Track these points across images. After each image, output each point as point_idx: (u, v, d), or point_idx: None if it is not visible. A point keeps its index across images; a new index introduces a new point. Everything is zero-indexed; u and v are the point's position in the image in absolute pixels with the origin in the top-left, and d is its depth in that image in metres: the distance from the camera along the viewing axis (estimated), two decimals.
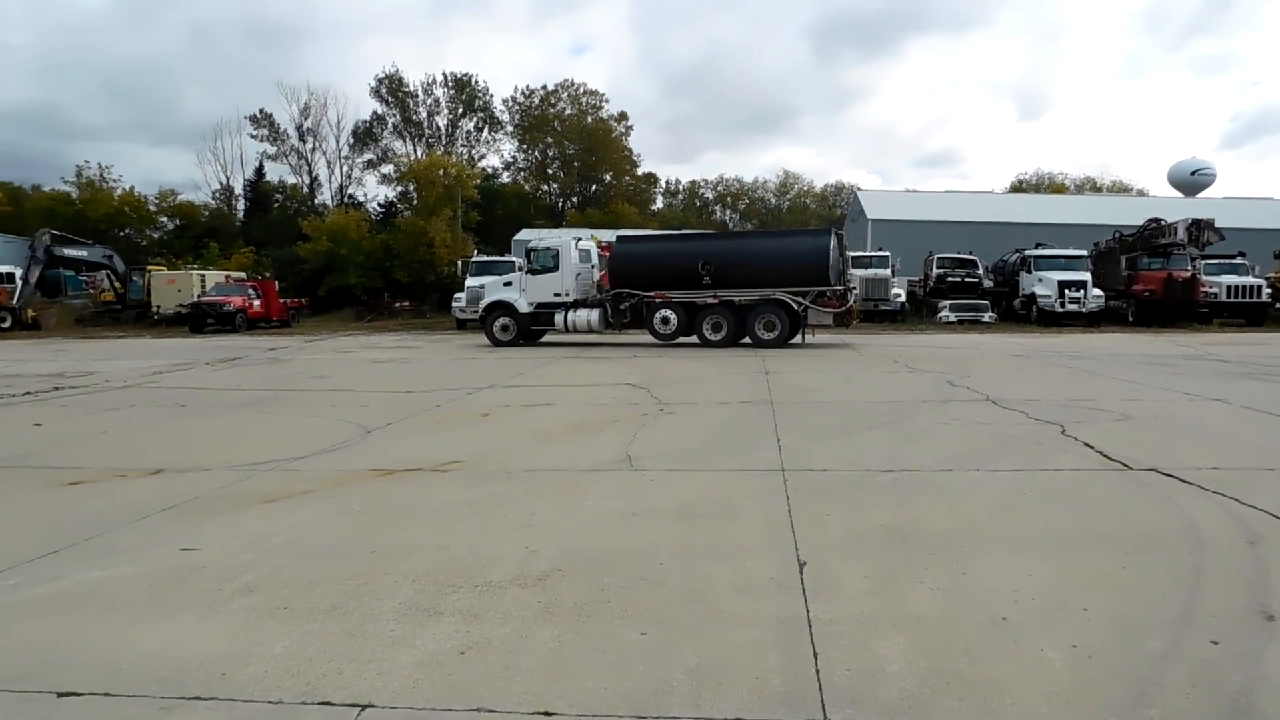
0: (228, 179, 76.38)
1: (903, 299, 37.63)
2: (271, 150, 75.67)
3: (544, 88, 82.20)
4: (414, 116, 77.94)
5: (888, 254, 38.47)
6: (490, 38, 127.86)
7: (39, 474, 7.79)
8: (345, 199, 75.35)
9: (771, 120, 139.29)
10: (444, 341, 27.59)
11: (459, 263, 37.51)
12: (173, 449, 9.09)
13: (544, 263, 24.02)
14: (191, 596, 4.58)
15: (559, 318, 23.79)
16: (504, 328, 24.18)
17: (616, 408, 11.40)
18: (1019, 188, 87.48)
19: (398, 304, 49.69)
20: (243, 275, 45.75)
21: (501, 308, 24.31)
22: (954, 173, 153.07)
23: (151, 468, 7.89)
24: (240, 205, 76.07)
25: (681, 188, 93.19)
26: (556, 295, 23.90)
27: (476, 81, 78.70)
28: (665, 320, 23.19)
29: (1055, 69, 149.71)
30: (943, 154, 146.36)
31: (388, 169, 74.77)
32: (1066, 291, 33.96)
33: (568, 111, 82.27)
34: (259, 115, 74.89)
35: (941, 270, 40.37)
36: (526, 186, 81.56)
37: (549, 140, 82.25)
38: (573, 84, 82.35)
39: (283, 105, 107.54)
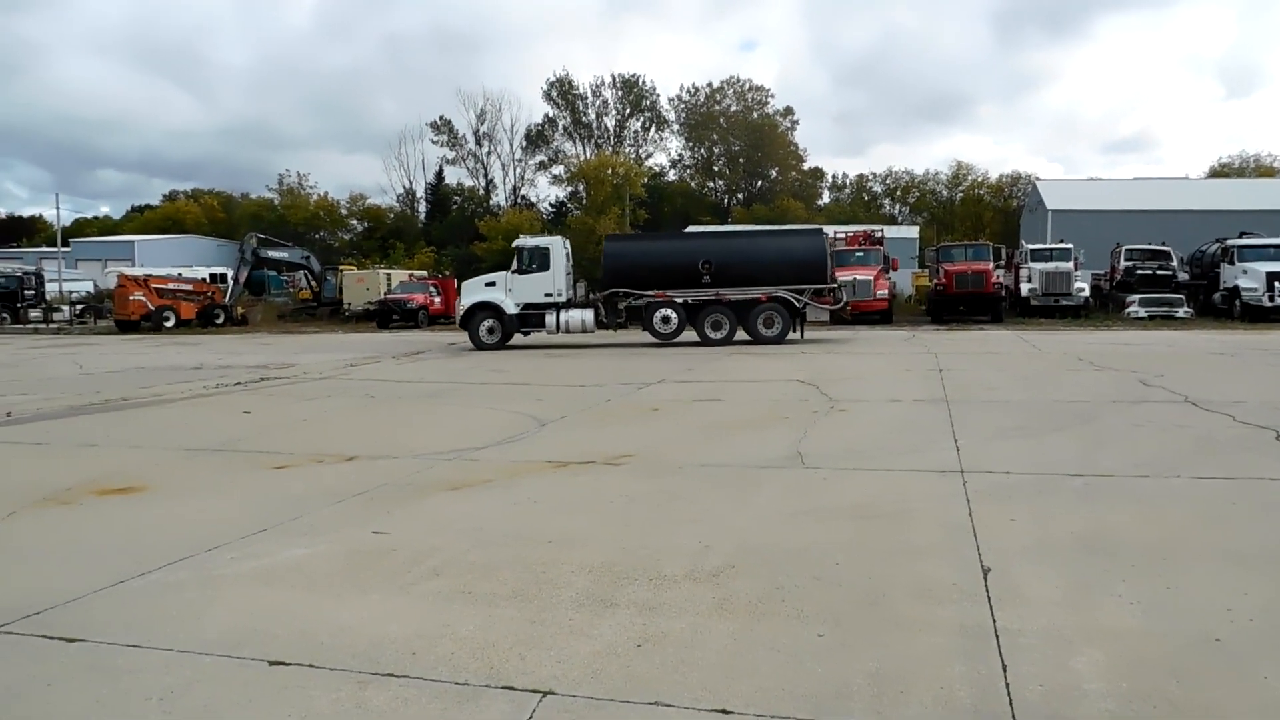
0: (410, 183, 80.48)
1: (1086, 293, 35.40)
2: (450, 155, 79.23)
3: (709, 85, 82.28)
4: (583, 118, 79.74)
5: (1069, 246, 36.22)
6: (661, 37, 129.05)
7: (250, 457, 8.46)
8: (519, 200, 77.94)
9: (946, 109, 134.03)
10: (613, 337, 28.08)
11: None
12: (364, 437, 9.67)
13: (533, 263, 23.23)
14: (383, 577, 4.85)
15: (550, 319, 23.00)
16: (490, 330, 23.10)
17: (786, 404, 11.27)
18: (1219, 173, 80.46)
19: None
20: (425, 274, 48.11)
21: (486, 309, 23.16)
22: (1145, 159, 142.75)
23: (346, 454, 8.42)
24: (422, 208, 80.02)
25: (849, 182, 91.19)
26: (547, 295, 23.12)
27: (644, 81, 79.69)
28: (666, 319, 22.84)
29: (1268, 41, 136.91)
30: (1133, 139, 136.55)
31: (558, 170, 76.84)
32: (1276, 284, 31.02)
33: (733, 108, 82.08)
34: (439, 122, 78.56)
35: (1130, 262, 37.66)
36: (692, 184, 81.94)
37: (714, 137, 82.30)
38: (738, 80, 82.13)
39: (461, 111, 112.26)
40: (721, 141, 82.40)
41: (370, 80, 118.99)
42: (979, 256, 34.61)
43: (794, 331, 23.05)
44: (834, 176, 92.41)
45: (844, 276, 31.62)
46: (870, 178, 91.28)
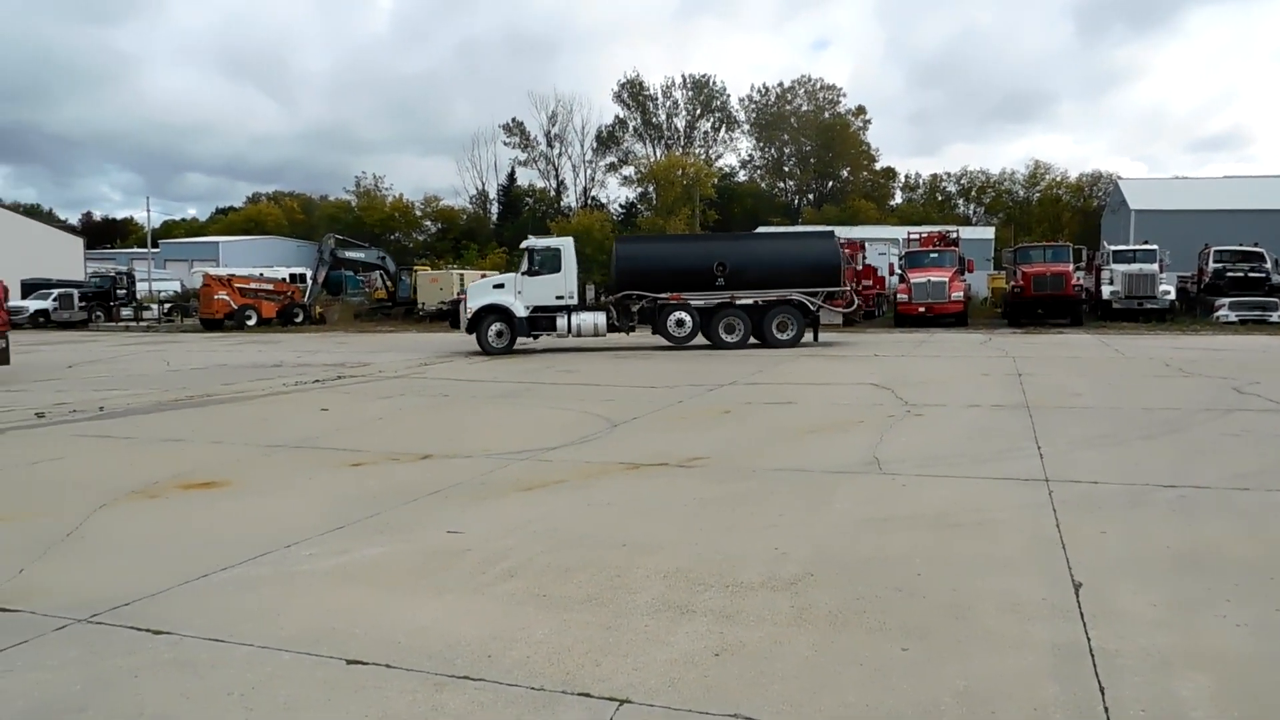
0: (483, 184, 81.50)
1: (1171, 296, 34.14)
2: (522, 156, 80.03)
3: (780, 85, 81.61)
4: (654, 119, 79.80)
5: (1154, 247, 34.97)
6: (734, 37, 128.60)
7: (327, 454, 8.59)
8: (589, 201, 78.33)
9: (1025, 107, 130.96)
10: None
11: None
12: (438, 436, 9.77)
13: (544, 264, 22.37)
14: (458, 577, 4.85)
15: (562, 321, 22.20)
16: (499, 334, 22.03)
17: (860, 408, 11.07)
18: None
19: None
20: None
21: (495, 312, 22.07)
22: (1236, 157, 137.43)
23: (420, 453, 8.50)
24: (494, 209, 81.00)
25: (922, 182, 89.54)
26: (559, 298, 22.30)
27: (714, 82, 79.41)
28: (680, 322, 22.39)
29: None
30: (1223, 136, 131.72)
31: (628, 171, 77.01)
32: None
33: (804, 108, 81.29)
34: (511, 124, 79.40)
35: (1219, 264, 36.19)
36: (763, 184, 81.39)
37: (785, 137, 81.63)
38: (809, 80, 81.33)
39: (533, 113, 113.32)
40: (792, 141, 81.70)
41: (445, 84, 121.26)
42: (1058, 258, 33.61)
43: (808, 335, 22.73)
44: (906, 176, 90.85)
45: (917, 278, 31.02)
46: (944, 177, 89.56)
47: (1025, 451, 8.07)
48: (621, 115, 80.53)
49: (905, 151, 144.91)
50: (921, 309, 30.68)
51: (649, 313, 22.76)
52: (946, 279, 31.36)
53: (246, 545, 5.49)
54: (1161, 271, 34.00)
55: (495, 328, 22.09)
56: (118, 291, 46.86)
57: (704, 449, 8.36)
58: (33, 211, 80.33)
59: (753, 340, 22.47)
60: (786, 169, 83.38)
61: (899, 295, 32.08)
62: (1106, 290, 33.39)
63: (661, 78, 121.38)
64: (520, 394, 13.38)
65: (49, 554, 5.49)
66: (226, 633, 4.10)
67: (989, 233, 62.67)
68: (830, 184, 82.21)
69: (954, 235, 38.34)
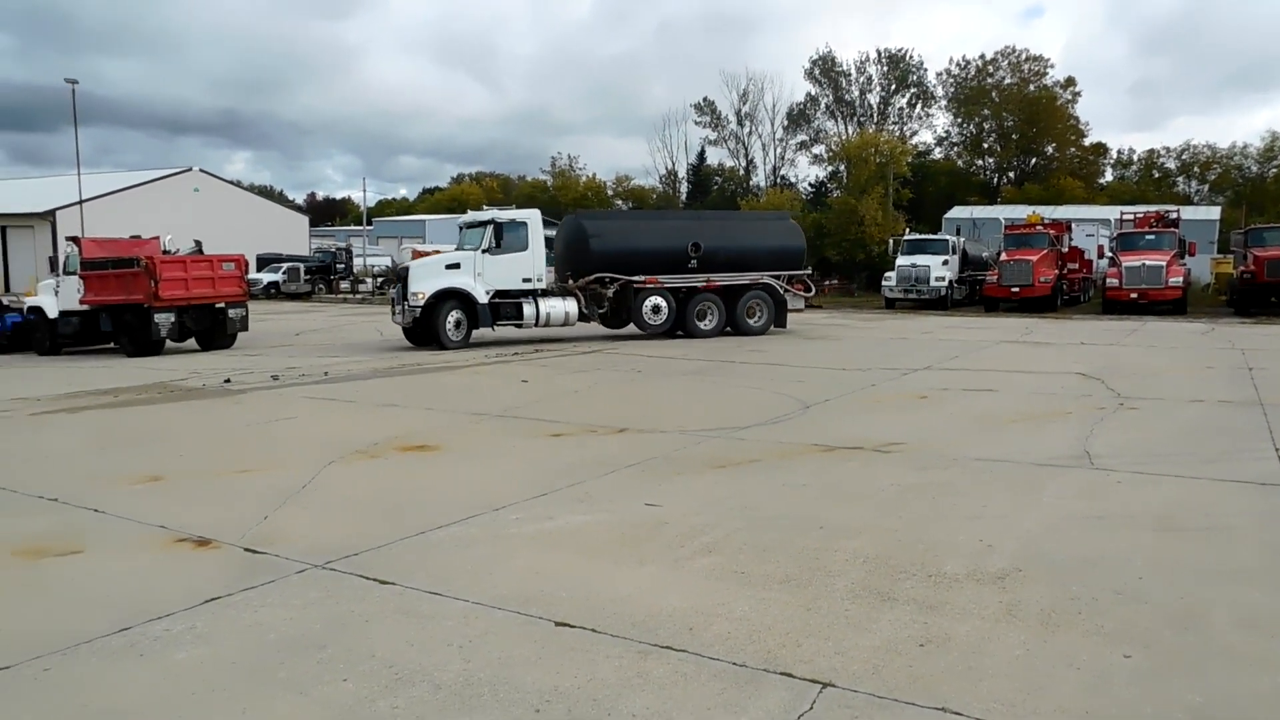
0: (673, 164, 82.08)
1: None
2: (712, 136, 79.87)
3: (981, 57, 77.49)
4: (846, 96, 77.68)
5: None
6: (937, 8, 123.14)
7: (528, 424, 8.98)
8: (778, 180, 77.46)
9: (1268, 75, 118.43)
10: (875, 321, 27.26)
11: (890, 241, 36.84)
12: (633, 410, 10.01)
13: (508, 240, 18.57)
14: (658, 549, 4.97)
15: (529, 309, 18.60)
16: (458, 324, 17.95)
17: (1067, 398, 10.46)
18: None
19: (826, 282, 50.19)
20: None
21: (452, 297, 17.92)
22: None
23: (616, 426, 8.73)
24: (683, 188, 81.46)
25: (1136, 158, 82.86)
26: (526, 281, 18.73)
27: (911, 56, 76.37)
28: (656, 309, 19.70)
29: None
30: None
31: (819, 149, 75.48)
32: None
33: (1007, 81, 76.83)
34: (702, 103, 79.37)
35: None
36: (960, 162, 77.76)
37: (985, 112, 77.53)
38: (1014, 50, 76.62)
39: (724, 92, 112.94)
40: (994, 116, 77.47)
41: (642, 65, 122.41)
42: None
43: (773, 323, 20.87)
44: (1119, 152, 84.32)
45: (1130, 262, 28.83)
46: (1162, 153, 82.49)
47: (1259, 453, 7.38)
48: (813, 92, 78.83)
49: (1121, 126, 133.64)
50: (1133, 295, 28.45)
51: (619, 297, 19.89)
52: (1164, 263, 28.90)
53: (458, 506, 5.83)
54: None
55: (454, 317, 17.99)
56: (337, 266, 50.45)
57: (900, 434, 8.15)
58: (266, 192, 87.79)
59: (727, 328, 20.43)
60: (986, 145, 79.21)
61: (1108, 280, 29.87)
62: None
63: (855, 53, 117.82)
64: (711, 372, 13.47)
65: (287, 504, 6.04)
66: (444, 587, 4.38)
67: (1214, 213, 57.31)
68: (1033, 161, 77.46)
69: (1174, 215, 35.27)
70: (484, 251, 18.35)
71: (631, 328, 19.96)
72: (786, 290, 21.14)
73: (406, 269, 18.70)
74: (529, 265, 18.81)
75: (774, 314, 20.89)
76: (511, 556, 4.89)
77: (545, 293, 19.12)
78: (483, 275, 18.30)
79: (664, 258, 19.96)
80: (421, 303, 17.50)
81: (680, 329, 19.96)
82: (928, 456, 7.27)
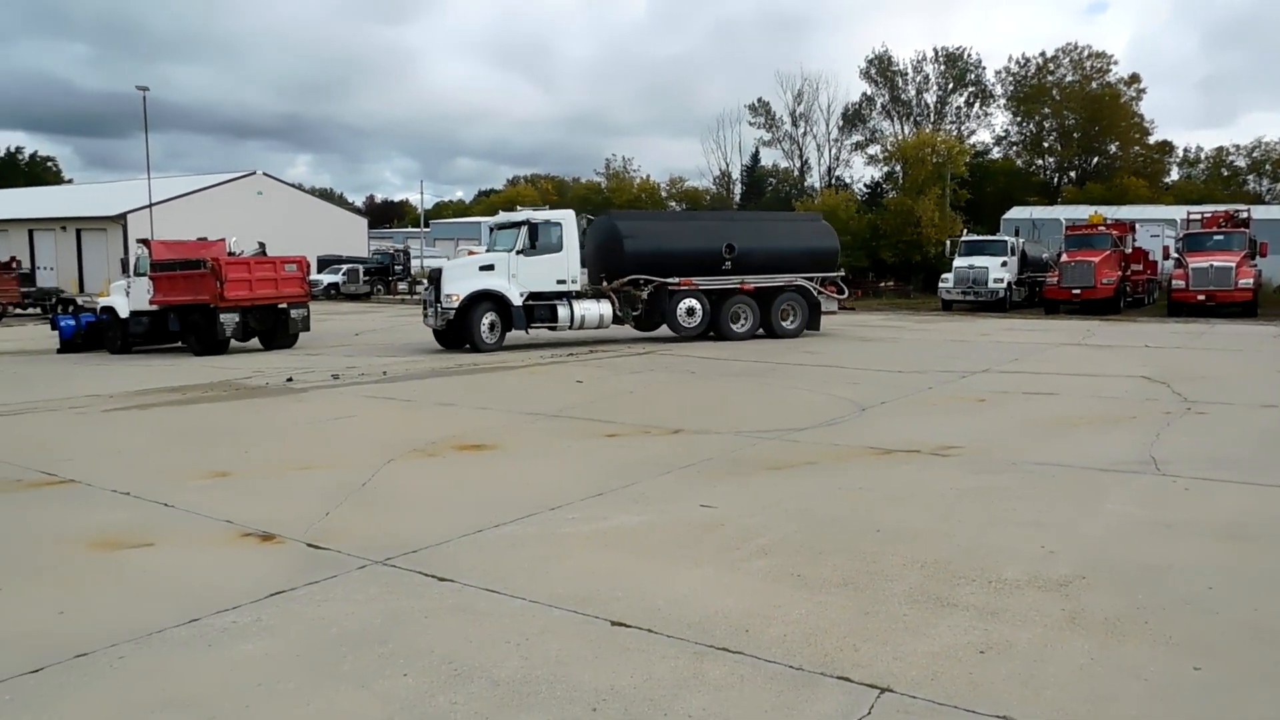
0: (726, 165, 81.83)
1: None
2: (766, 136, 79.43)
3: (1041, 55, 75.94)
4: (902, 95, 76.68)
5: None
6: (997, 5, 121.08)
7: (583, 424, 9.04)
8: (833, 180, 76.81)
9: None
10: (932, 323, 26.89)
11: (947, 242, 36.30)
12: (687, 411, 10.01)
13: (543, 241, 18.18)
14: (713, 551, 4.97)
15: (564, 311, 18.24)
16: (492, 326, 17.56)
17: (1131, 402, 10.22)
18: None
19: (882, 284, 49.60)
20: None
21: (486, 299, 17.58)
22: None
23: (670, 427, 8.74)
24: (737, 189, 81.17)
25: (1203, 156, 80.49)
26: (560, 282, 18.38)
27: (969, 54, 75.14)
28: (691, 311, 19.36)
29: None
30: None
31: (874, 150, 74.63)
32: None
33: (1068, 78, 75.13)
34: (756, 104, 79.00)
35: None
36: (1019, 162, 76.27)
37: (1046, 111, 75.92)
38: (1075, 47, 74.89)
39: (778, 93, 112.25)
40: (1054, 115, 75.83)
41: (697, 67, 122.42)
42: None
43: (808, 325, 20.52)
44: (1185, 150, 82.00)
45: (1197, 263, 28.05)
46: (1231, 151, 80.00)
47: None
48: (869, 92, 77.98)
49: (1188, 123, 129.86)
50: (1201, 297, 27.65)
51: (653, 300, 19.57)
52: (1233, 264, 28.04)
53: (514, 505, 5.90)
54: None
55: (488, 319, 17.67)
56: (395, 267, 51.21)
57: (957, 438, 8.04)
58: (326, 195, 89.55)
59: (760, 331, 20.31)
60: (1046, 144, 77.57)
61: (1174, 281, 29.08)
62: None
63: (912, 52, 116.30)
64: (765, 374, 13.42)
65: (348, 500, 6.16)
66: (501, 585, 4.44)
67: None
68: (1095, 160, 75.65)
69: (1244, 214, 34.21)
70: (518, 253, 18.09)
71: (663, 330, 19.56)
72: (820, 293, 20.88)
73: (440, 271, 18.42)
74: (564, 267, 18.49)
75: (808, 316, 20.60)
76: (567, 556, 4.93)
77: (579, 295, 18.83)
78: (517, 277, 18.02)
79: (698, 259, 19.74)
80: (456, 305, 17.22)
81: (713, 331, 19.66)
82: (986, 460, 7.17)
